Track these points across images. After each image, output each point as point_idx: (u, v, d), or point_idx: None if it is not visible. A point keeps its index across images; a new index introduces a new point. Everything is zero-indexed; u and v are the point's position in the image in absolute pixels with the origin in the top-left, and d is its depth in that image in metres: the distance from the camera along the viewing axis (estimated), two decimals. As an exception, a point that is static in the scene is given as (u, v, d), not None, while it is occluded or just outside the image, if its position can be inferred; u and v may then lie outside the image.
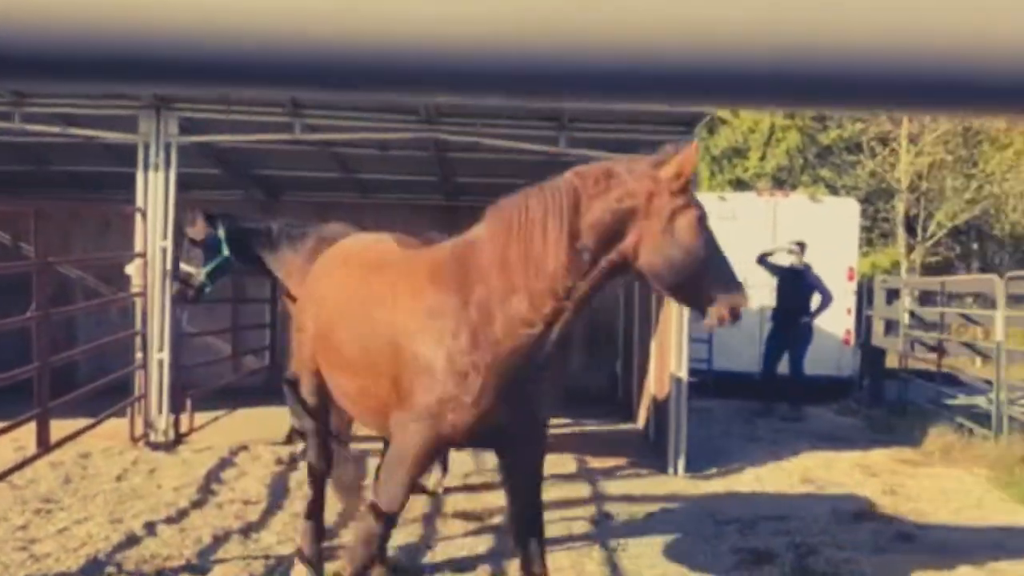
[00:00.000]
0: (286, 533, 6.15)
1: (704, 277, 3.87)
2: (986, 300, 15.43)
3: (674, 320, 8.83)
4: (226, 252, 7.96)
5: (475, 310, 3.93)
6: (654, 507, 7.21)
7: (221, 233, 7.92)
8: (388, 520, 4.24)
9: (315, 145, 10.56)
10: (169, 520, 6.34)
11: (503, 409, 3.99)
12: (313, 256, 6.99)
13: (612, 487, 7.79)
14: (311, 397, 5.19)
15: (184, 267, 8.11)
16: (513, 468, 4.37)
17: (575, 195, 3.92)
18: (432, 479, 7.34)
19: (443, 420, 3.98)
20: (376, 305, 4.32)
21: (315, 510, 5.32)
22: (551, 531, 6.41)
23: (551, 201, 3.92)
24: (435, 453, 4.54)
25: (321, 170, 12.22)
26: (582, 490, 7.66)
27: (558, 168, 12.65)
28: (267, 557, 5.73)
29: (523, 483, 4.35)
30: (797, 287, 12.39)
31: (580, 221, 3.86)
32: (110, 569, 5.42)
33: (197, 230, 7.91)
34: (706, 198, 15.16)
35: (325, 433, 5.34)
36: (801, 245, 12.51)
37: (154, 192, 8.79)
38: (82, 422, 7.94)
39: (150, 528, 6.12)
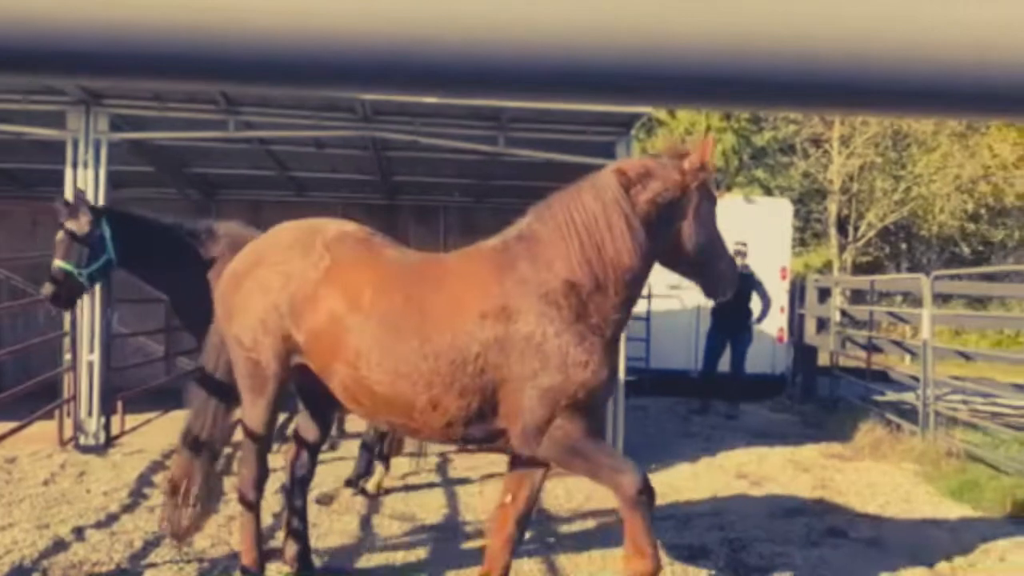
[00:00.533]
0: (219, 536, 6.06)
1: (722, 256, 4.62)
2: (914, 299, 15.84)
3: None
4: (111, 254, 7.19)
5: (566, 304, 4.22)
6: (590, 505, 7.26)
7: (106, 231, 7.16)
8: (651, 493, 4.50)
9: (250, 143, 10.42)
10: (99, 524, 6.21)
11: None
12: (229, 257, 6.87)
13: (548, 485, 7.82)
14: (268, 405, 4.82)
15: (60, 265, 7.15)
16: (527, 464, 4.60)
17: (625, 191, 4.32)
18: (372, 481, 7.30)
19: (582, 402, 4.22)
20: (449, 317, 4.27)
21: (256, 521, 5.15)
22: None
23: (608, 198, 4.31)
24: (598, 431, 4.53)
25: (257, 168, 12.07)
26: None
27: (497, 167, 12.77)
28: (200, 560, 5.63)
29: (539, 481, 4.70)
30: (740, 288, 12.57)
31: (634, 215, 4.28)
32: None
33: (80, 224, 7.14)
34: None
35: (270, 441, 5.16)
36: (745, 245, 12.72)
37: (83, 189, 8.59)
38: (8, 425, 7.73)
39: (79, 533, 5.99)
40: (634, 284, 4.37)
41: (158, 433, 9.30)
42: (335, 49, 0.79)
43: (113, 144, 8.89)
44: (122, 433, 9.11)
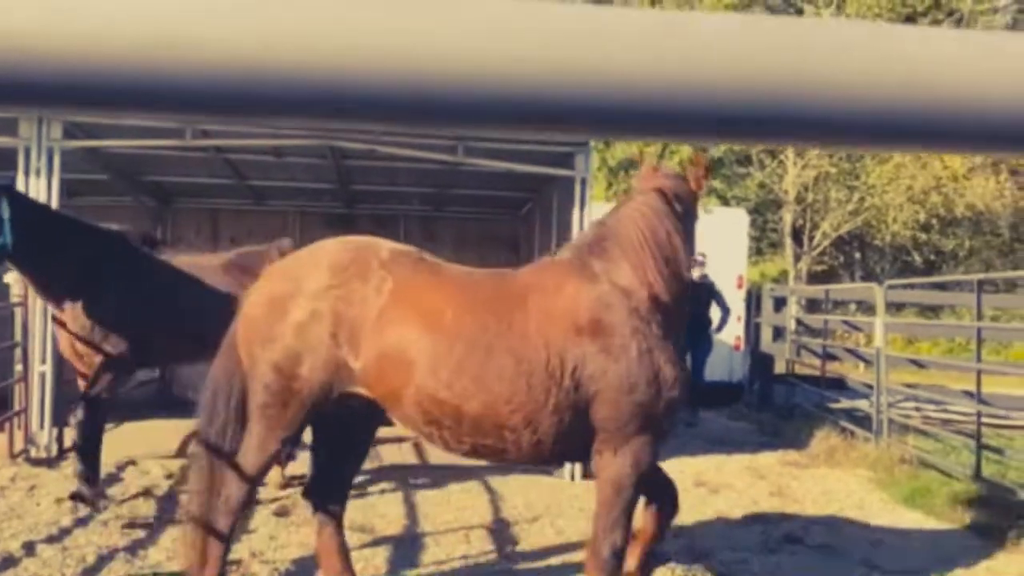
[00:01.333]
0: (175, 549, 5.98)
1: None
2: (868, 307, 16.08)
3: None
4: (8, 238, 6.32)
5: (653, 320, 4.36)
6: (550, 513, 7.27)
7: (5, 212, 6.33)
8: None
9: (207, 151, 10.33)
10: (50, 539, 6.09)
11: None
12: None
13: (509, 493, 7.83)
14: (283, 438, 4.51)
15: None
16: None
17: (666, 202, 4.60)
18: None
19: (663, 423, 4.43)
20: (542, 333, 4.26)
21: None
22: (449, 538, 6.43)
23: (663, 215, 4.56)
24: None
25: (214, 176, 11.98)
26: (479, 497, 7.68)
27: (456, 176, 12.76)
28: (155, 574, 5.55)
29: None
30: (700, 297, 12.73)
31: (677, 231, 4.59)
32: (-14, 592, 5.19)
33: None
34: (603, 208, 15.50)
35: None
36: (703, 256, 12.84)
37: (36, 198, 8.45)
38: (-44, 438, 7.57)
39: (29, 548, 5.87)
40: (689, 297, 4.72)
41: (111, 445, 9.14)
42: (290, 82, 0.79)
43: (67, 152, 8.76)
44: (74, 445, 8.95)
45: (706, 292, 12.69)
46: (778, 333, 14.79)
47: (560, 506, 7.55)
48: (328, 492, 4.94)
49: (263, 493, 7.47)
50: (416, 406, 4.28)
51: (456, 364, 4.21)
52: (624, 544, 4.46)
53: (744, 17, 0.80)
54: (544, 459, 4.57)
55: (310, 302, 4.34)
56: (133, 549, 5.97)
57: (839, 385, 13.04)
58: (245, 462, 4.50)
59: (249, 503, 4.79)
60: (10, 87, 0.80)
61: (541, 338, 4.23)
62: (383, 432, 5.49)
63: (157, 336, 7.24)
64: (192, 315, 7.02)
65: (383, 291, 4.33)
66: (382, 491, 7.78)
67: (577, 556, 6.22)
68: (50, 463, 8.31)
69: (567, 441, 4.33)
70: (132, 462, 8.39)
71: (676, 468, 9.35)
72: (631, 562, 4.69)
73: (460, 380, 4.20)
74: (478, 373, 4.19)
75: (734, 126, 0.80)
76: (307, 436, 5.04)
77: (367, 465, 7.61)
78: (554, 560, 6.15)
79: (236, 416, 4.61)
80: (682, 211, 4.64)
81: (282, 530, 6.53)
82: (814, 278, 28.08)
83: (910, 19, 26.46)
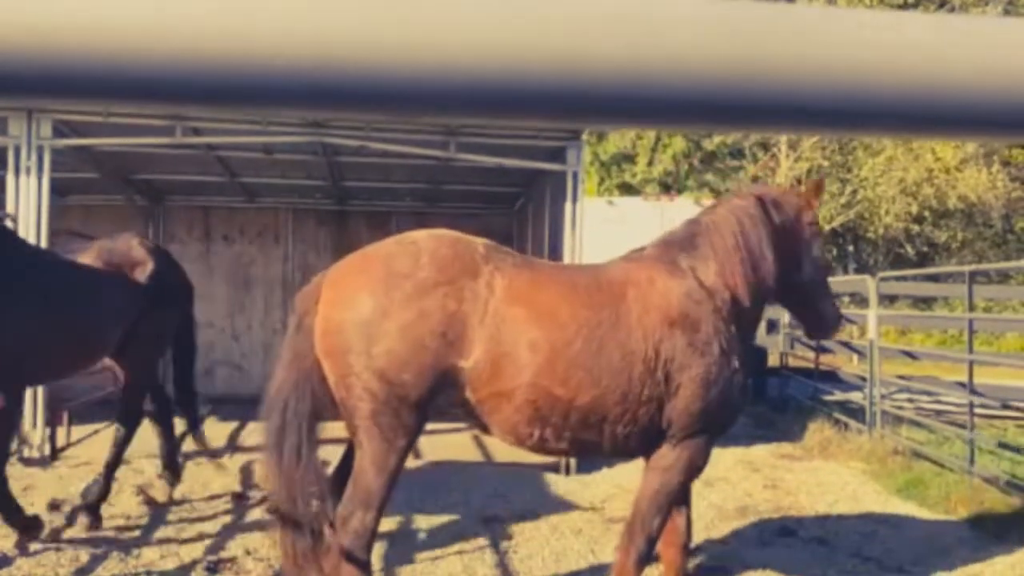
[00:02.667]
0: (169, 548, 5.97)
1: (827, 297, 5.08)
2: (861, 299, 16.11)
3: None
4: None
5: (733, 322, 4.48)
6: (544, 508, 7.28)
7: None
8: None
9: (198, 148, 10.30)
10: (43, 540, 6.07)
11: None
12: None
13: (502, 489, 7.83)
14: (405, 453, 4.21)
15: None
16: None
17: (763, 210, 4.75)
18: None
19: (721, 427, 4.59)
20: (641, 325, 4.32)
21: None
22: (443, 533, 6.43)
23: (759, 222, 4.69)
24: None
25: (205, 174, 11.94)
26: (473, 492, 7.68)
27: (449, 172, 12.73)
28: (148, 573, 5.55)
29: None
30: None
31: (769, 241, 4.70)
32: (-21, 593, 5.17)
33: None
34: (595, 203, 15.53)
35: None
36: None
37: (26, 197, 8.42)
38: (-51, 439, 7.54)
39: (22, 548, 5.85)
40: (765, 307, 4.80)
41: (105, 444, 9.12)
42: (289, 72, 0.79)
43: (57, 151, 8.73)
44: (68, 445, 8.94)
45: None
46: (772, 326, 14.81)
47: (554, 500, 7.55)
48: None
49: (255, 491, 7.47)
50: (529, 404, 4.14)
51: (573, 358, 4.15)
52: (659, 534, 4.55)
53: (729, 3, 0.80)
54: (630, 452, 4.58)
55: (416, 301, 4.08)
56: (127, 548, 5.96)
57: (833, 377, 13.07)
58: (366, 486, 4.12)
59: (375, 531, 4.23)
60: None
61: (640, 330, 4.28)
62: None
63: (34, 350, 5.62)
64: (82, 321, 5.96)
65: (495, 287, 4.18)
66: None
67: (571, 550, 6.23)
68: (43, 463, 8.29)
69: (649, 433, 4.39)
70: (125, 461, 8.36)
71: (670, 462, 9.38)
72: (671, 553, 4.86)
73: (576, 374, 4.15)
74: (591, 366, 4.18)
75: (718, 114, 0.80)
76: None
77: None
78: (548, 554, 6.15)
79: (309, 436, 4.32)
80: (781, 222, 4.74)
81: (276, 527, 6.51)
82: (807, 271, 28.08)
83: (901, 10, 26.49)
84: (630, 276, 4.49)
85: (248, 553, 5.89)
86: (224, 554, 5.83)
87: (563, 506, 7.39)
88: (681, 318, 4.35)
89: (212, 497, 7.33)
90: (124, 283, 6.40)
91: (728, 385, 4.38)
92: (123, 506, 7.00)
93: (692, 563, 6.03)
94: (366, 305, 4.10)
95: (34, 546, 5.90)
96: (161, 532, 6.37)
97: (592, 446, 4.40)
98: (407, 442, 4.17)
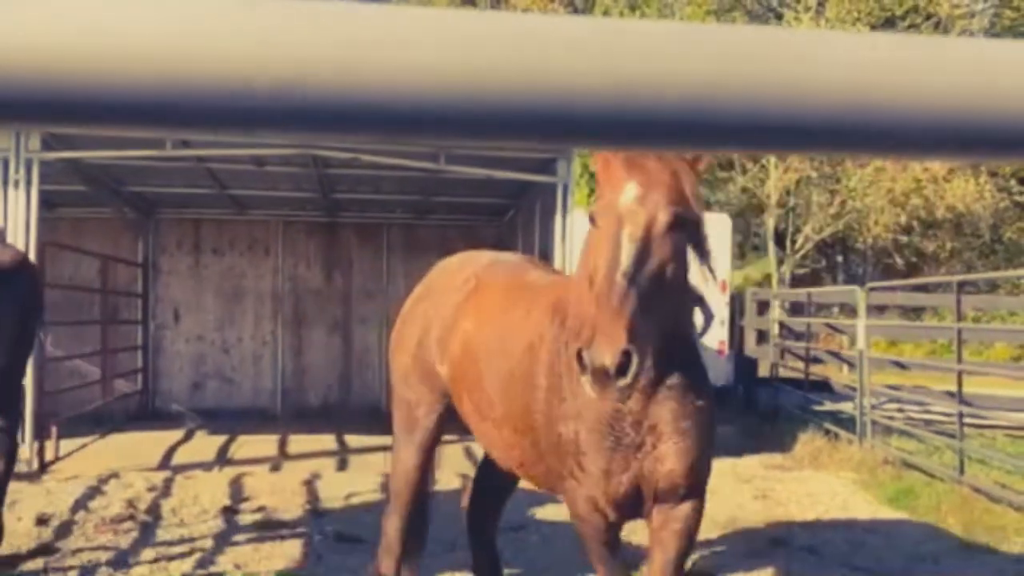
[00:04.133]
0: (159, 565, 5.95)
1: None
2: (850, 310, 16.17)
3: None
4: None
5: None
6: (535, 520, 7.26)
7: None
8: None
9: (188, 161, 10.29)
10: (31, 554, 6.04)
11: None
12: None
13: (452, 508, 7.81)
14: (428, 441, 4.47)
15: None
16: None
17: None
18: None
19: None
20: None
21: None
22: (434, 547, 6.40)
23: None
24: None
25: (195, 186, 11.93)
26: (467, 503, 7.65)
27: (439, 184, 12.73)
28: (138, 588, 5.52)
29: None
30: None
31: None
32: (-34, 608, 5.14)
33: None
34: (586, 214, 15.55)
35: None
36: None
37: (15, 210, 8.40)
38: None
39: (10, 564, 5.82)
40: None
41: (94, 458, 9.11)
42: (279, 98, 0.79)
43: (46, 163, 8.72)
44: (56, 459, 8.90)
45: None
46: (762, 337, 14.85)
47: (554, 507, 7.54)
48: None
49: (246, 504, 7.45)
50: (471, 406, 4.10)
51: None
52: None
53: (710, 27, 0.81)
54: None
55: (410, 311, 4.53)
56: (115, 564, 5.93)
57: (823, 388, 13.11)
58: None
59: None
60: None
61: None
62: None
63: None
64: None
65: (464, 291, 4.24)
66: (377, 499, 7.75)
67: (562, 561, 6.22)
68: (31, 477, 8.25)
69: None
70: (115, 475, 8.33)
71: (661, 473, 9.38)
72: None
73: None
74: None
75: (700, 134, 0.81)
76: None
77: (359, 473, 7.60)
78: (540, 566, 6.14)
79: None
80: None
81: (266, 541, 6.49)
82: (797, 281, 28.20)
83: (889, 23, 26.67)
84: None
85: (238, 567, 5.87)
86: (214, 568, 5.80)
87: (554, 517, 7.38)
88: None
89: (202, 512, 7.29)
90: None
91: None
92: (112, 520, 6.97)
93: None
94: (400, 316, 4.64)
95: (23, 562, 5.87)
96: (151, 546, 6.34)
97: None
98: (420, 442, 4.37)
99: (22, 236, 8.37)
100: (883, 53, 0.71)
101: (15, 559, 5.89)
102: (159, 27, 0.74)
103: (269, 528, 6.81)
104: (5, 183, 8.43)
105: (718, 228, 15.52)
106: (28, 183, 8.45)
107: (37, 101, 0.78)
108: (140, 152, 9.25)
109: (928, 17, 27.85)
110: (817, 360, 13.60)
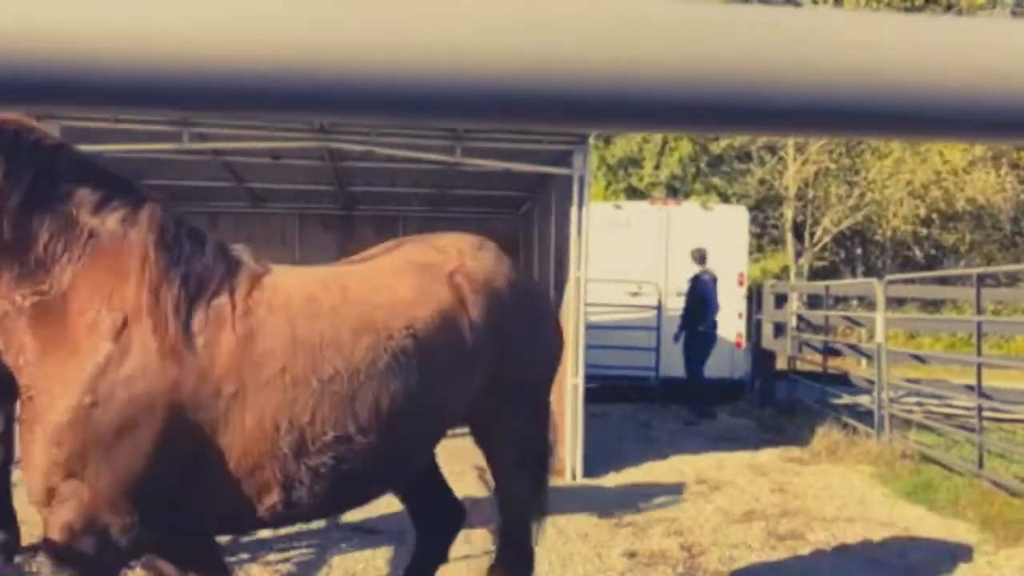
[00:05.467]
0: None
1: None
2: (869, 303, 16.08)
3: (571, 329, 8.92)
4: None
5: None
6: (550, 512, 7.26)
7: None
8: None
9: (205, 154, 10.33)
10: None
11: None
12: None
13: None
14: None
15: None
16: None
17: None
18: None
19: None
20: None
21: None
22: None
23: None
24: None
25: (212, 179, 11.97)
26: (478, 497, 7.67)
27: (455, 177, 12.73)
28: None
29: None
30: (701, 292, 13.04)
31: None
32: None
33: None
34: (602, 206, 15.54)
35: None
36: (701, 251, 13.17)
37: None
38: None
39: (35, 552, 5.87)
40: None
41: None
42: (293, 75, 0.79)
43: (64, 157, 8.76)
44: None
45: (701, 287, 12.89)
46: (779, 330, 14.78)
47: (560, 505, 7.54)
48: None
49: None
50: None
51: None
52: None
53: (732, 7, 0.80)
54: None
55: None
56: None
57: (841, 381, 13.04)
58: None
59: None
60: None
61: None
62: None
63: None
64: None
65: None
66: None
67: (578, 554, 6.22)
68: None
69: None
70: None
71: (677, 466, 9.36)
72: None
73: None
74: None
75: (720, 116, 0.80)
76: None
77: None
78: (555, 559, 6.14)
79: None
80: None
81: (281, 531, 6.53)
82: (815, 274, 28.06)
83: (907, 12, 26.44)
84: None
85: (253, 559, 5.90)
86: (230, 559, 5.82)
87: (569, 510, 7.38)
88: None
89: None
90: None
91: None
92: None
93: (700, 567, 6.03)
94: None
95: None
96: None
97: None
98: None
99: (41, 229, 8.41)
100: (898, 33, 0.70)
101: (36, 549, 5.93)
102: (179, 12, 0.74)
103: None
104: (24, 176, 8.47)
105: (735, 220, 15.49)
106: (47, 176, 8.49)
107: (57, 83, 0.78)
108: (157, 145, 9.27)
109: (949, 7, 27.61)
110: (835, 353, 13.53)
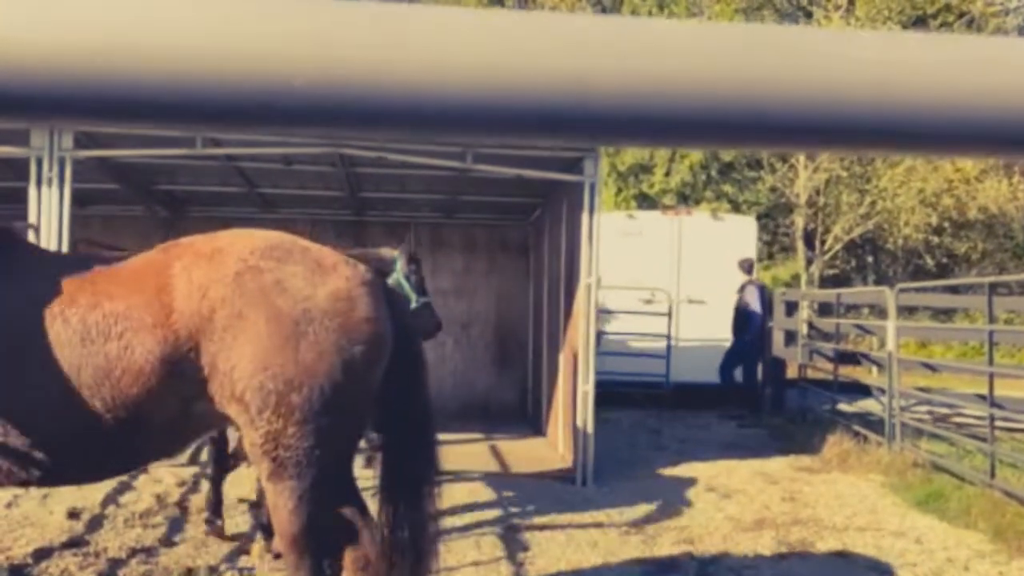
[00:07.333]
0: (187, 559, 6.00)
1: None
2: (880, 311, 16.04)
3: (582, 335, 8.93)
4: None
5: None
6: (561, 519, 7.26)
7: None
8: None
9: (218, 159, 10.38)
10: (63, 547, 6.13)
11: None
12: None
13: (519, 499, 7.83)
14: None
15: None
16: None
17: None
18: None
19: None
20: None
21: None
22: (459, 544, 6.43)
23: None
24: None
25: (225, 185, 12.02)
26: (489, 503, 7.68)
27: (466, 183, 12.79)
28: (167, 582, 5.59)
29: None
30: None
31: None
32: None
33: None
34: (615, 216, 15.59)
35: None
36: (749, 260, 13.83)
37: (48, 208, 8.50)
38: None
39: (44, 554, 5.90)
40: None
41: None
42: (309, 94, 0.80)
43: (78, 162, 8.81)
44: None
45: (746, 297, 13.42)
46: (790, 337, 14.76)
47: (570, 511, 7.54)
48: None
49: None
50: None
51: None
52: None
53: (741, 26, 0.81)
54: None
55: None
56: (148, 553, 5.99)
57: (851, 389, 13.00)
58: None
59: None
60: (13, 99, 0.82)
61: None
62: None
63: None
64: None
65: None
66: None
67: (587, 561, 6.22)
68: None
69: None
70: (144, 471, 8.41)
71: (687, 473, 9.35)
72: None
73: None
74: None
75: (729, 132, 0.81)
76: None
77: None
78: (564, 566, 6.14)
79: None
80: None
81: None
82: (826, 282, 27.97)
83: (920, 21, 26.38)
84: None
85: (262, 560, 5.91)
86: (242, 563, 5.85)
87: (579, 517, 7.38)
88: None
89: (229, 507, 7.35)
90: None
91: None
92: (143, 515, 7.04)
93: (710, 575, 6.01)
94: None
95: (55, 553, 5.95)
96: (179, 539, 6.40)
97: None
98: None
99: (55, 234, 8.47)
100: (911, 52, 0.71)
101: (48, 552, 5.97)
102: (198, 25, 0.75)
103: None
104: (39, 181, 8.52)
105: (744, 230, 15.52)
106: (61, 181, 8.53)
107: (79, 97, 0.80)
108: (171, 151, 9.32)
109: (961, 15, 27.53)
110: (846, 361, 13.48)
